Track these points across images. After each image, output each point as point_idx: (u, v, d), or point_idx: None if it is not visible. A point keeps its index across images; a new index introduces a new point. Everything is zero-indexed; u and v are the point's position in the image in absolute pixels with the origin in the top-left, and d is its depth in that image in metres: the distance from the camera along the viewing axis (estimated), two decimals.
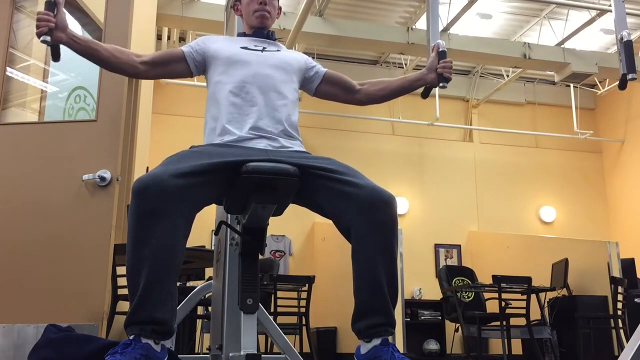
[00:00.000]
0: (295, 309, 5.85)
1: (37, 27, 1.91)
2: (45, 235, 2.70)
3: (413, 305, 8.28)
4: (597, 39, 8.43)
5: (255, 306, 1.85)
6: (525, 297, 5.64)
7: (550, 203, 9.67)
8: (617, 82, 2.29)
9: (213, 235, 2.35)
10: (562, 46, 8.10)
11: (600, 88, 9.79)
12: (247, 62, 2.09)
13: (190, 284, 4.64)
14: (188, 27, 7.59)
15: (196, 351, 5.01)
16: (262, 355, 1.92)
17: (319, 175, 1.87)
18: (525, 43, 8.02)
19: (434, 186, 9.27)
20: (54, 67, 3.70)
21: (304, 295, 5.70)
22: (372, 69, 9.42)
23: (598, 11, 7.54)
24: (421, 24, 7.73)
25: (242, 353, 1.81)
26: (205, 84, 2.20)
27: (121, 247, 2.41)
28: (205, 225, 2.71)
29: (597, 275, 6.61)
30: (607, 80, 9.54)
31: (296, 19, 6.75)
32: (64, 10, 1.98)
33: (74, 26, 3.53)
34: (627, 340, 3.06)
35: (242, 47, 2.15)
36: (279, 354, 2.65)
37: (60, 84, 3.81)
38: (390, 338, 1.78)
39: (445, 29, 7.67)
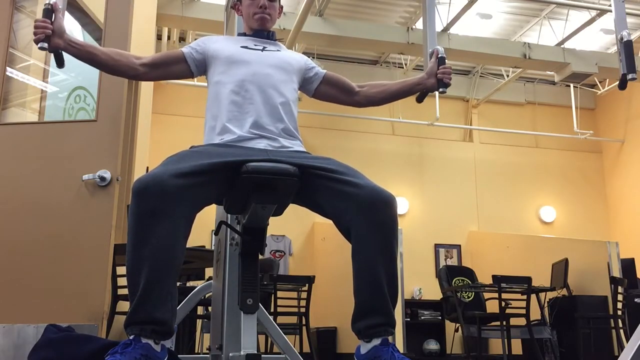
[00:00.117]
0: (295, 309, 5.85)
1: (35, 34, 1.92)
2: (45, 235, 2.69)
3: (413, 305, 8.28)
4: (597, 39, 8.43)
5: (255, 306, 1.85)
6: (525, 297, 5.64)
7: (550, 203, 9.66)
8: (617, 82, 2.29)
9: (213, 235, 2.35)
10: (562, 46, 8.10)
11: (600, 88, 9.78)
12: (247, 62, 2.10)
13: (190, 284, 4.63)
14: (188, 27, 7.59)
15: (196, 351, 5.01)
16: (262, 355, 1.92)
17: (319, 175, 1.87)
18: (525, 43, 8.02)
19: (434, 186, 9.27)
20: (53, 67, 3.70)
21: (304, 295, 5.69)
22: (372, 69, 9.42)
23: (598, 11, 7.54)
24: (421, 24, 7.70)
25: (242, 353, 1.81)
26: (205, 84, 2.21)
27: (121, 247, 2.41)
28: (205, 225, 2.70)
29: (597, 275, 6.60)
30: (607, 80, 9.53)
31: (296, 19, 6.75)
32: (61, 15, 1.98)
33: (74, 26, 3.53)
34: (627, 340, 3.06)
35: (242, 47, 2.15)
36: (279, 354, 2.65)
37: (60, 84, 3.80)
38: (390, 338, 1.78)
39: (445, 29, 7.67)
